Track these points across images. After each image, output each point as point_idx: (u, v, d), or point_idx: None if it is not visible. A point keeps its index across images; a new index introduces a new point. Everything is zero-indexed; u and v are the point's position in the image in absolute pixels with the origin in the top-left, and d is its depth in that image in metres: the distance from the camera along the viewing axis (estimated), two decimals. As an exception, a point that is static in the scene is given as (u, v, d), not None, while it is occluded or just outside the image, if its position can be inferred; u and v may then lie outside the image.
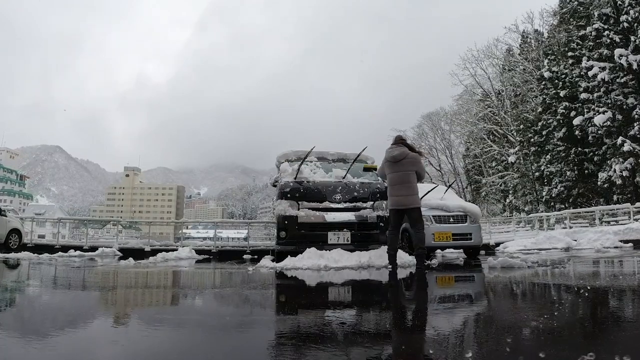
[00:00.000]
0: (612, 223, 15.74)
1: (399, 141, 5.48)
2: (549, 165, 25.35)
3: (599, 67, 21.56)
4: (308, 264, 5.09)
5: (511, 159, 29.66)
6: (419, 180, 5.37)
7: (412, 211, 5.27)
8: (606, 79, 21.25)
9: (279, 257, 6.06)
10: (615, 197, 21.21)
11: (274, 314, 2.45)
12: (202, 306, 2.76)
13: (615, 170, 20.59)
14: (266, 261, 6.05)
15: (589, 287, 3.01)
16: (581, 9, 26.18)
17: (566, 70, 25.23)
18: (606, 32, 21.87)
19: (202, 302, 2.93)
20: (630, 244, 9.13)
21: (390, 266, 5.07)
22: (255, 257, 9.08)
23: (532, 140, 27.05)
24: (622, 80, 21.02)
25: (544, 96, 26.20)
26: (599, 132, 21.97)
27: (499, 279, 3.93)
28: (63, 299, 3.08)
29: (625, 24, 21.19)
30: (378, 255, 5.36)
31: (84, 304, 2.83)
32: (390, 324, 2.06)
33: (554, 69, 25.65)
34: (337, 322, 2.00)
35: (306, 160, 6.76)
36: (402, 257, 5.51)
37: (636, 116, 20.30)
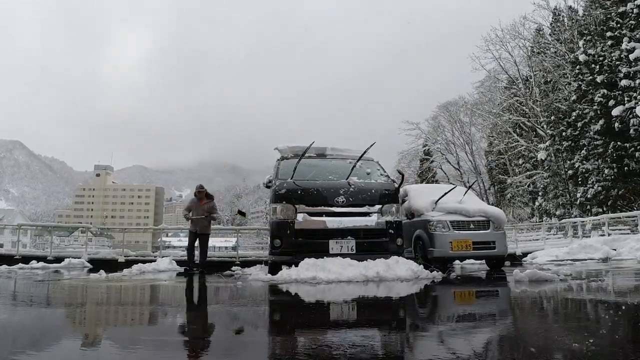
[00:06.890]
0: (657, 229, 15.69)
1: None
2: (584, 162, 25.29)
3: (642, 50, 21.52)
4: (306, 277, 5.08)
5: (541, 155, 29.57)
6: None
7: None
8: (650, 63, 21.23)
9: (272, 268, 6.06)
10: (660, 200, 21.19)
11: (266, 337, 2.45)
12: (183, 328, 2.75)
13: (661, 169, 20.57)
14: (258, 273, 6.06)
15: (634, 305, 3.00)
16: (620, -18, 26.09)
17: (604, 53, 25.15)
18: (650, 10, 21.86)
19: (183, 323, 2.92)
20: (679, 254, 9.10)
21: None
22: (246, 268, 9.08)
23: (564, 133, 26.99)
24: (669, 65, 20.99)
25: (579, 82, 26.14)
26: (642, 124, 21.93)
27: (527, 295, 3.93)
28: (23, 318, 3.07)
29: (672, 0, 21.17)
30: (387, 267, 5.36)
31: (48, 325, 2.82)
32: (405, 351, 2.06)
33: (590, 51, 25.57)
34: (342, 350, 1.99)
35: (305, 157, 6.76)
36: (413, 267, 5.53)
37: (685, 106, 20.26)
